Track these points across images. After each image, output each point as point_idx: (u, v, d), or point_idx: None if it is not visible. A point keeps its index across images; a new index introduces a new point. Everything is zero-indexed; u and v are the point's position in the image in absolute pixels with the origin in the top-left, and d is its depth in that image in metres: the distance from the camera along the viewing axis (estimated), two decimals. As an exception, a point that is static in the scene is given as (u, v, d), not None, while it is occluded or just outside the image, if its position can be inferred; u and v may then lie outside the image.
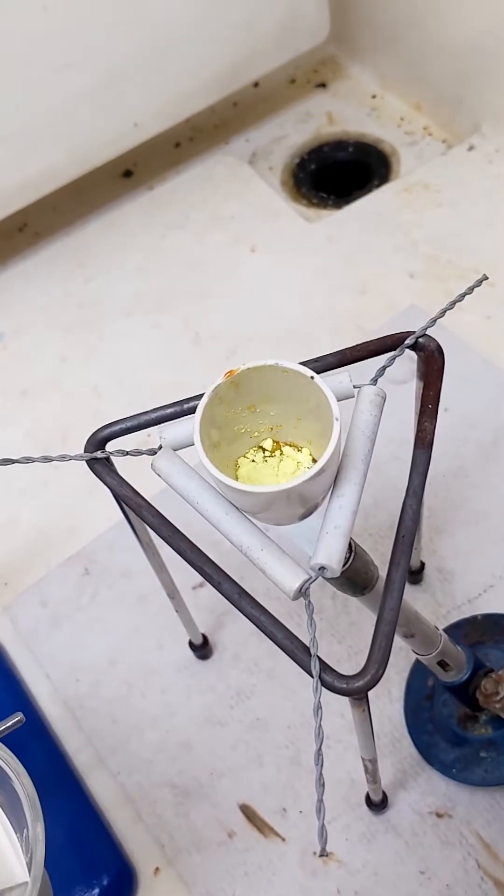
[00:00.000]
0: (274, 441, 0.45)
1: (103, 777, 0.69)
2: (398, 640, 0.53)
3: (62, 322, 0.96)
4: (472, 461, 0.78)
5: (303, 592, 0.40)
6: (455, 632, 0.68)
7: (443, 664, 0.58)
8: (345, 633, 0.72)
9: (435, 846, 0.63)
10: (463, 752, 0.64)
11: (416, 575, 0.73)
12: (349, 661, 0.71)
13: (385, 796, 0.64)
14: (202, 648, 0.71)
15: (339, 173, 1.05)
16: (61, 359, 0.93)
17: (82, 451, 0.49)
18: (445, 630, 0.64)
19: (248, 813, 0.66)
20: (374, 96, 1.10)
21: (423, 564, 0.73)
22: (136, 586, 0.77)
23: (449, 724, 0.65)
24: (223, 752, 0.69)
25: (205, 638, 0.72)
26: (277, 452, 0.44)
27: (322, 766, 0.37)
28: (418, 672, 0.68)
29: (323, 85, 1.13)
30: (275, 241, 0.98)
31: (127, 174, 1.08)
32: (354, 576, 0.46)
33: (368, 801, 0.64)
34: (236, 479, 0.43)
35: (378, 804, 0.63)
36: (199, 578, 0.74)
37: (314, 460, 0.45)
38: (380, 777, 0.59)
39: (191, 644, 0.72)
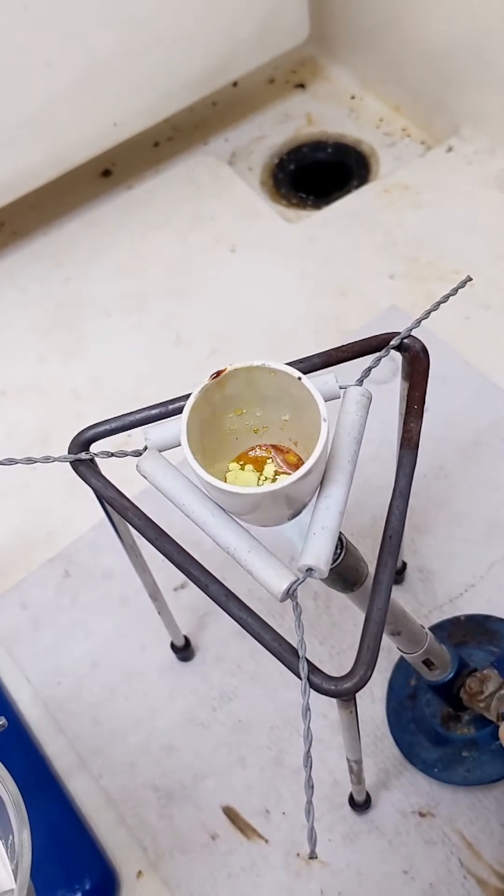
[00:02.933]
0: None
1: (85, 780, 0.69)
2: (381, 639, 0.53)
3: (41, 322, 0.95)
4: (452, 461, 0.79)
5: (290, 594, 0.40)
6: (438, 632, 0.68)
7: (428, 663, 0.58)
8: (326, 634, 0.72)
9: (418, 845, 0.63)
10: (445, 751, 0.64)
11: (397, 575, 0.73)
12: (331, 661, 0.71)
13: (368, 796, 0.64)
14: (184, 650, 0.71)
15: (319, 174, 1.06)
16: (40, 359, 0.92)
17: (64, 453, 0.48)
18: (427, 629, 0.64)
19: (231, 815, 0.66)
20: (353, 97, 1.11)
21: (404, 564, 0.73)
22: (118, 588, 0.76)
23: (431, 723, 0.65)
24: (206, 754, 0.69)
25: (187, 640, 0.71)
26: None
27: (311, 768, 0.37)
28: (400, 672, 0.68)
29: (302, 85, 1.13)
30: (255, 242, 0.97)
31: (106, 173, 1.07)
32: (345, 572, 0.46)
33: (352, 802, 0.64)
34: (223, 480, 0.43)
35: (361, 804, 0.63)
36: (180, 579, 0.74)
37: (299, 460, 0.45)
38: (364, 778, 0.59)
39: (173, 646, 0.71)
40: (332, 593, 0.68)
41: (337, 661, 0.71)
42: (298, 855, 0.64)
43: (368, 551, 0.74)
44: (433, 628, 0.69)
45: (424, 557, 0.74)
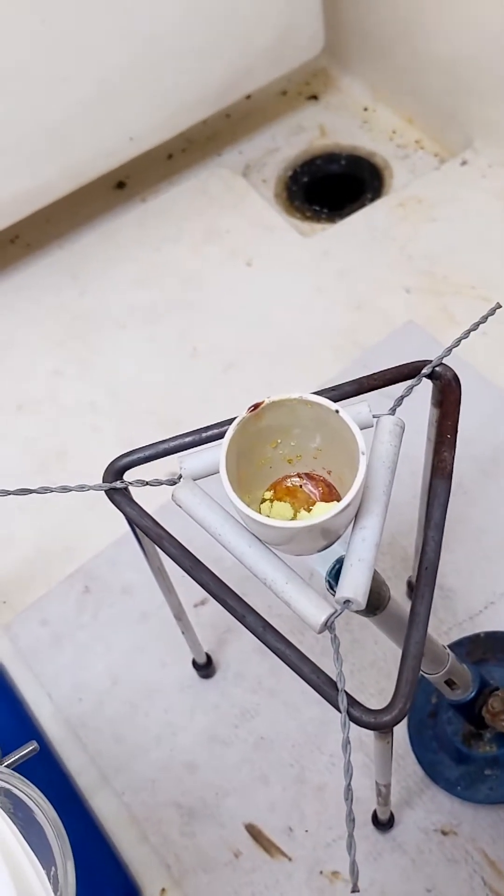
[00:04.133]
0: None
1: (108, 797, 0.69)
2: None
3: (56, 335, 0.95)
4: (470, 478, 0.79)
5: (328, 626, 0.41)
6: (458, 649, 0.69)
7: (450, 682, 0.58)
8: (347, 651, 0.72)
9: (441, 864, 0.64)
10: (467, 769, 0.65)
11: (417, 592, 0.73)
12: (351, 678, 0.71)
13: (391, 815, 0.64)
14: (206, 667, 0.71)
15: (332, 186, 1.06)
16: (56, 373, 0.93)
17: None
18: (448, 648, 0.64)
19: (254, 833, 0.66)
20: (366, 109, 1.11)
21: (424, 582, 0.73)
22: (138, 604, 0.77)
23: (453, 741, 0.65)
24: (228, 772, 0.69)
25: (208, 657, 0.72)
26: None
27: (352, 802, 0.38)
28: (421, 690, 0.69)
29: (315, 97, 1.13)
30: (270, 255, 0.98)
31: (120, 185, 1.07)
32: (369, 597, 0.46)
33: (375, 820, 0.64)
34: (259, 511, 0.43)
35: (385, 823, 0.64)
36: (200, 595, 0.75)
37: (332, 489, 0.45)
38: (390, 799, 0.60)
39: (194, 663, 0.72)
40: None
41: (357, 678, 0.71)
42: (322, 873, 0.65)
43: (387, 568, 0.74)
44: (452, 646, 0.70)
45: (444, 575, 0.75)
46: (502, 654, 0.69)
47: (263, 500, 0.46)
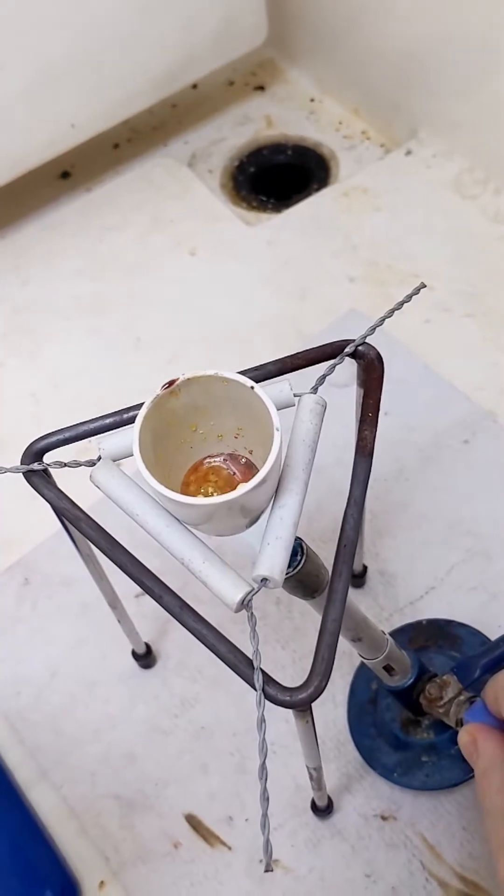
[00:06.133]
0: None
1: (46, 791, 0.68)
2: (343, 644, 0.53)
3: (-1, 326, 0.94)
4: (412, 464, 0.79)
5: (245, 605, 0.40)
6: (400, 636, 0.69)
7: (388, 668, 0.58)
8: (289, 639, 0.72)
9: (380, 849, 0.63)
10: (405, 756, 0.64)
11: (358, 579, 0.73)
12: (293, 665, 0.71)
13: (330, 801, 0.64)
14: (145, 658, 0.71)
15: (279, 177, 1.06)
16: (-2, 364, 0.91)
17: (19, 461, 0.48)
18: (390, 634, 0.64)
19: (193, 823, 0.66)
20: (312, 100, 1.11)
21: (365, 568, 0.73)
22: (78, 595, 0.76)
23: (391, 728, 0.65)
24: (168, 762, 0.68)
25: (148, 647, 0.71)
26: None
27: (266, 780, 0.37)
28: (362, 676, 0.68)
29: (261, 88, 1.13)
30: (215, 245, 0.97)
31: (64, 175, 1.06)
32: (305, 579, 0.46)
33: (314, 807, 0.64)
34: (179, 490, 0.43)
35: (324, 809, 0.63)
36: (141, 586, 0.74)
37: (254, 469, 0.45)
38: (325, 784, 0.59)
39: (134, 653, 0.71)
40: (295, 597, 0.69)
41: (300, 665, 0.71)
42: (262, 861, 0.64)
43: (330, 556, 0.73)
44: (395, 632, 0.70)
45: (385, 560, 0.74)
46: (443, 642, 0.69)
47: (186, 482, 0.45)
